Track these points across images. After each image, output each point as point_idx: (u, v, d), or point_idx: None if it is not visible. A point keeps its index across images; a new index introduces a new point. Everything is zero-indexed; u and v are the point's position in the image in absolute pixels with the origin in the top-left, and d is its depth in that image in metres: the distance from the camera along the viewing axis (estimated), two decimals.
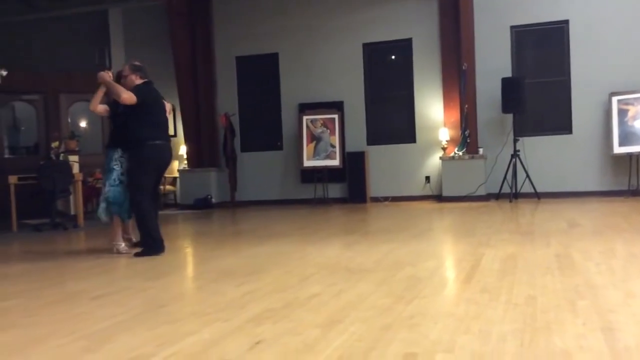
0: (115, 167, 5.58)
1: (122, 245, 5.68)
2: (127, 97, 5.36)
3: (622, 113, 9.63)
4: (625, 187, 9.64)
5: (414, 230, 6.72)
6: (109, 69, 6.01)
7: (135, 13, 12.37)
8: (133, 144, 5.47)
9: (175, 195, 12.20)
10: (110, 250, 5.76)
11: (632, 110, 9.59)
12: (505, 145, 10.06)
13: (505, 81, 9.88)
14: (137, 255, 5.38)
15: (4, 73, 10.01)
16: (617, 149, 9.63)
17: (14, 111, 11.44)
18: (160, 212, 6.39)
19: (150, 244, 5.42)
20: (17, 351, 2.79)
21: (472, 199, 9.92)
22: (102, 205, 5.64)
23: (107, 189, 5.58)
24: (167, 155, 5.68)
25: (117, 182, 5.55)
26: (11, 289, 4.45)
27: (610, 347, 2.42)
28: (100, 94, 5.64)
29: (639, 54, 9.72)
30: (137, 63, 5.70)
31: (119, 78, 5.65)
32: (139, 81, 5.57)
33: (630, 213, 7.39)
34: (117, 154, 5.62)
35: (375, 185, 11.05)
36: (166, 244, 5.66)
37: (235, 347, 2.64)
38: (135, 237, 5.88)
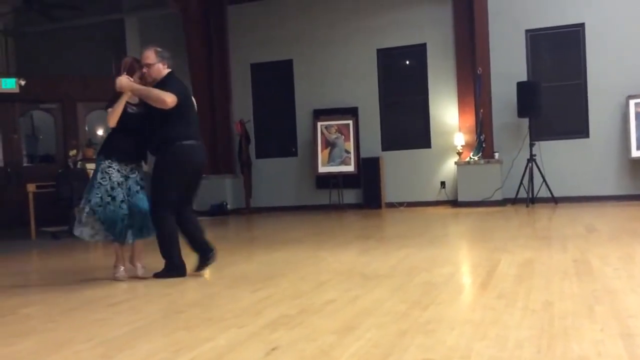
0: (102, 181, 4.60)
1: (122, 269, 4.80)
2: (171, 100, 4.47)
3: None
4: None
5: (429, 236, 6.69)
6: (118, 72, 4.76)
7: (151, 21, 12.49)
8: (160, 146, 4.65)
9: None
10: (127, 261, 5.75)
11: None
12: (521, 150, 9.99)
13: (520, 85, 9.82)
14: (156, 275, 4.72)
15: (23, 83, 10.17)
16: (635, 153, 9.53)
17: (33, 120, 11.59)
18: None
19: (171, 264, 4.72)
20: (37, 357, 2.82)
21: (488, 204, 9.86)
22: (79, 220, 4.67)
23: (92, 207, 4.58)
24: (200, 157, 4.80)
25: (106, 200, 4.58)
26: (31, 296, 4.50)
27: (630, 353, 2.39)
28: (122, 105, 4.59)
29: None
30: (160, 49, 4.74)
31: (131, 68, 4.71)
32: (165, 71, 4.70)
33: None
34: (104, 164, 4.64)
35: (391, 190, 11.02)
36: (181, 249, 5.67)
37: (251, 354, 2.65)
38: (142, 262, 4.93)
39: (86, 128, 11.33)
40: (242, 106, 11.99)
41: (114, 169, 4.65)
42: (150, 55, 4.66)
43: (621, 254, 4.73)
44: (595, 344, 2.51)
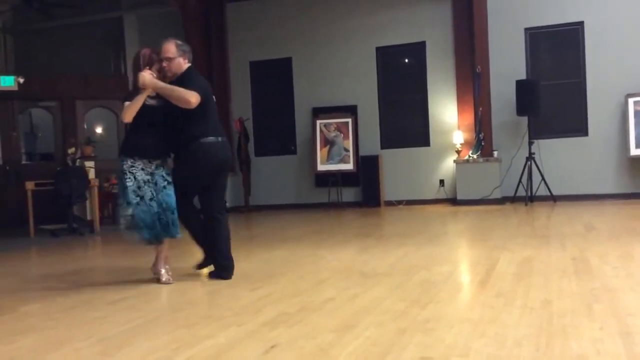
0: (128, 182, 4.38)
1: (163, 272, 4.54)
2: (196, 100, 4.25)
3: (639, 114, 9.53)
4: None
5: (428, 234, 6.70)
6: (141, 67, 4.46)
7: (150, 19, 12.47)
8: (181, 145, 4.45)
9: None
10: (130, 257, 5.77)
11: None
12: (520, 148, 9.99)
13: (519, 83, 9.83)
14: (211, 276, 4.56)
15: (21, 80, 10.15)
16: (634, 151, 9.54)
17: (31, 117, 11.58)
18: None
19: (220, 264, 4.54)
20: (36, 355, 2.82)
21: (487, 202, 9.87)
22: (125, 222, 4.46)
23: (130, 211, 4.38)
24: (222, 154, 4.52)
25: (136, 201, 4.37)
26: (30, 294, 4.50)
27: (628, 352, 2.40)
28: (141, 102, 4.30)
29: None
30: (181, 42, 4.52)
31: (150, 61, 4.44)
32: (185, 66, 4.48)
33: None
34: (127, 164, 4.41)
35: (389, 188, 11.02)
36: (181, 248, 5.68)
37: (251, 351, 2.65)
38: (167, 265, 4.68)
39: (85, 126, 11.32)
40: (241, 104, 11.98)
41: (137, 167, 4.41)
42: (170, 49, 4.42)
43: (620, 252, 4.74)
44: (594, 343, 2.52)
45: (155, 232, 4.39)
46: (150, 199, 4.40)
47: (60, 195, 8.50)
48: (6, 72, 11.20)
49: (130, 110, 4.29)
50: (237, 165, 11.76)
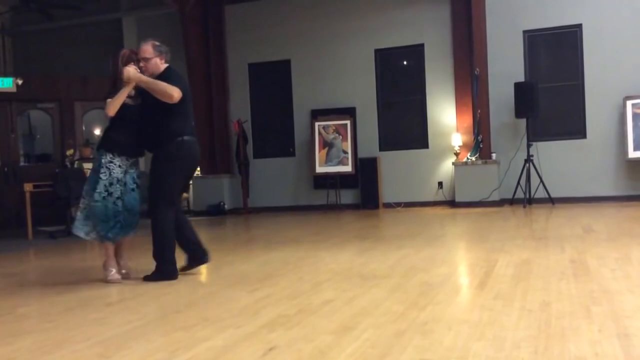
0: (102, 175, 4.51)
1: (113, 272, 4.64)
2: (178, 95, 4.39)
3: (637, 117, 9.55)
4: None
5: (427, 236, 6.70)
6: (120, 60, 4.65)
7: (149, 21, 12.48)
8: (161, 141, 4.51)
9: (188, 202, 12.25)
10: (128, 259, 5.76)
11: None
12: (518, 150, 10.00)
13: (518, 86, 9.84)
14: (146, 278, 4.57)
15: (20, 82, 10.16)
16: (632, 154, 9.55)
17: (30, 119, 11.58)
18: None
19: (163, 268, 4.55)
20: (34, 357, 2.81)
21: (485, 204, 9.87)
22: (80, 218, 4.61)
23: (90, 202, 4.54)
24: (198, 154, 4.71)
25: (103, 195, 4.50)
26: (28, 295, 4.50)
27: (627, 354, 2.40)
28: (124, 95, 4.47)
29: None
30: (158, 43, 4.66)
31: (129, 61, 4.60)
32: (163, 66, 4.61)
33: None
34: (106, 159, 4.54)
35: (388, 191, 11.03)
36: (179, 250, 5.67)
37: (249, 354, 2.65)
38: (125, 262, 4.85)
39: (83, 127, 11.33)
40: (240, 106, 11.98)
41: (115, 164, 4.55)
42: (147, 49, 4.57)
43: (618, 254, 4.74)
44: (592, 345, 2.52)
45: (108, 229, 4.53)
46: (117, 198, 4.56)
47: (58, 196, 8.49)
48: (4, 74, 11.21)
49: (115, 104, 4.44)
50: (235, 167, 11.77)
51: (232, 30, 12.07)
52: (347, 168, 10.96)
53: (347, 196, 11.19)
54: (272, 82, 11.90)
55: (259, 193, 11.69)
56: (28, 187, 8.64)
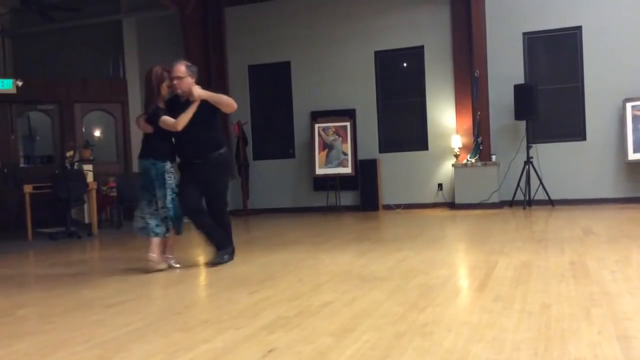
0: (169, 180, 5.09)
1: (173, 259, 5.28)
2: (236, 106, 5.27)
3: (637, 119, 9.56)
4: None
5: (426, 238, 6.70)
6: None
7: (149, 23, 12.47)
8: (213, 150, 5.15)
9: None
10: (129, 260, 5.76)
11: None
12: (518, 152, 10.01)
13: (518, 88, 9.85)
14: (213, 264, 5.22)
15: (20, 83, 10.16)
16: (632, 156, 9.56)
17: (30, 120, 11.58)
18: None
19: (230, 249, 5.38)
20: (33, 358, 2.81)
21: (485, 206, 9.87)
22: (154, 222, 5.07)
23: (166, 205, 5.06)
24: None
25: (172, 197, 5.09)
26: (27, 296, 4.49)
27: (626, 356, 2.40)
28: (193, 111, 5.02)
29: None
30: (189, 63, 5.23)
31: (161, 78, 5.08)
32: (193, 85, 5.13)
33: None
34: (168, 166, 5.12)
35: (388, 192, 11.03)
36: (179, 252, 5.69)
37: (248, 355, 2.65)
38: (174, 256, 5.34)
39: (83, 129, 11.33)
40: (240, 108, 11.78)
41: (172, 170, 5.14)
42: (181, 69, 5.05)
43: (618, 256, 4.74)
44: (592, 347, 2.52)
45: (179, 222, 5.19)
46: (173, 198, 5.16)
47: (58, 198, 8.49)
48: (5, 75, 11.20)
49: (184, 120, 4.96)
50: (235, 169, 11.77)
51: (232, 33, 12.08)
52: (347, 170, 10.97)
53: (347, 198, 11.19)
54: (272, 84, 11.90)
55: (258, 195, 11.69)
56: (28, 188, 8.64)
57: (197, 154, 5.14)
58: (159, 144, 5.11)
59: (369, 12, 11.18)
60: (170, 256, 5.26)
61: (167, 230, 5.14)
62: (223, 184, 5.36)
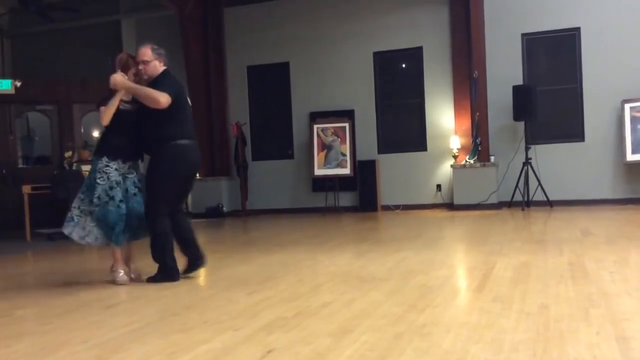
0: (100, 180, 4.52)
1: (122, 273, 4.65)
2: (165, 100, 4.38)
3: (635, 120, 9.57)
4: (638, 195, 9.56)
5: (425, 239, 6.70)
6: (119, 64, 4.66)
7: (148, 23, 12.48)
8: (154, 146, 4.55)
9: (187, 204, 12.25)
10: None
11: None
12: (517, 153, 10.02)
13: (516, 89, 9.86)
14: (149, 280, 4.63)
15: (19, 84, 10.15)
16: (630, 157, 9.57)
17: (28, 121, 11.57)
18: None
19: (165, 269, 4.60)
20: (32, 359, 2.81)
21: (483, 207, 9.88)
22: (74, 221, 4.63)
23: (89, 208, 4.57)
24: (195, 157, 4.70)
25: (104, 200, 4.50)
26: (26, 298, 4.48)
27: (625, 356, 2.40)
28: (116, 103, 4.47)
29: None
30: (156, 46, 4.67)
31: (126, 65, 4.62)
32: (161, 69, 4.62)
33: None
34: (102, 164, 4.54)
35: (386, 193, 11.03)
36: (178, 253, 5.66)
37: (247, 356, 2.65)
38: (135, 265, 4.84)
39: (82, 130, 11.32)
40: (239, 108, 11.99)
41: (111, 167, 4.54)
42: (146, 52, 4.58)
43: (617, 257, 4.74)
44: (590, 347, 2.52)
45: (116, 233, 4.51)
46: (120, 201, 4.53)
47: (57, 199, 8.48)
48: (3, 76, 11.20)
49: (108, 113, 4.46)
50: (234, 170, 11.77)
51: (231, 33, 12.08)
52: (346, 170, 10.97)
53: (346, 199, 11.19)
54: (271, 84, 11.91)
55: (257, 195, 11.69)
56: (26, 189, 8.63)
57: (145, 149, 4.69)
58: (102, 137, 4.74)
59: (368, 13, 11.19)
60: (132, 266, 4.76)
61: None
62: (149, 182, 4.61)
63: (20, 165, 10.99)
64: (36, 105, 11.05)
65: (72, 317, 3.67)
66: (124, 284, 4.60)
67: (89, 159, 10.00)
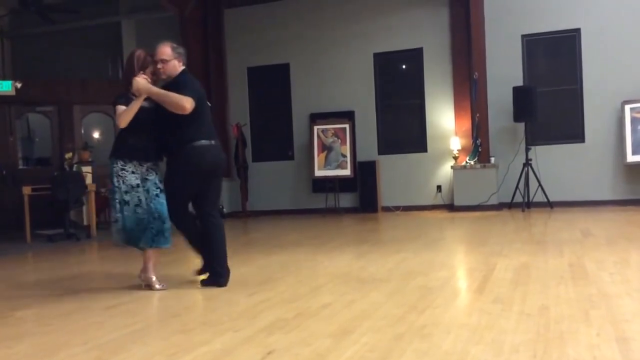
0: (116, 184, 4.32)
1: (154, 279, 4.45)
2: (190, 106, 4.22)
3: (635, 121, 9.57)
4: (639, 196, 9.56)
5: (425, 240, 6.70)
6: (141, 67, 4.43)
7: (148, 24, 12.48)
8: (173, 149, 4.39)
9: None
10: (128, 262, 5.74)
11: None
12: (517, 154, 10.01)
13: (516, 90, 9.86)
14: (204, 283, 4.48)
15: (19, 85, 10.16)
16: (631, 158, 9.56)
17: (28, 122, 11.57)
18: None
19: (216, 270, 4.45)
20: None
21: (484, 208, 9.87)
22: (114, 229, 4.42)
23: (116, 214, 4.35)
24: (212, 157, 4.44)
25: (123, 206, 4.30)
26: (26, 299, 4.48)
27: (625, 357, 2.40)
28: (137, 108, 4.23)
29: None
30: (176, 45, 4.51)
31: (144, 63, 4.40)
32: (180, 68, 4.46)
33: None
34: (117, 167, 4.33)
35: (387, 194, 11.03)
36: (179, 254, 5.67)
37: (247, 357, 2.65)
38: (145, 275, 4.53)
39: (82, 131, 11.32)
40: (239, 110, 11.99)
41: (127, 170, 4.31)
42: (166, 51, 4.40)
43: (617, 258, 4.74)
44: (590, 348, 2.52)
45: (132, 237, 4.32)
46: (136, 205, 4.31)
47: (57, 200, 8.48)
48: (3, 77, 11.21)
49: (127, 116, 4.21)
50: (234, 171, 11.77)
51: (231, 34, 12.08)
52: (346, 172, 10.97)
53: (346, 200, 11.19)
54: (271, 85, 11.91)
55: (257, 196, 11.69)
56: (26, 190, 8.63)
57: (164, 152, 4.52)
58: (118, 138, 4.48)
59: (368, 14, 11.19)
60: (154, 275, 4.49)
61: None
62: (166, 186, 4.43)
63: (21, 167, 10.98)
64: (36, 107, 11.04)
65: (72, 318, 3.67)
66: (163, 289, 4.40)
67: (89, 160, 10.02)
